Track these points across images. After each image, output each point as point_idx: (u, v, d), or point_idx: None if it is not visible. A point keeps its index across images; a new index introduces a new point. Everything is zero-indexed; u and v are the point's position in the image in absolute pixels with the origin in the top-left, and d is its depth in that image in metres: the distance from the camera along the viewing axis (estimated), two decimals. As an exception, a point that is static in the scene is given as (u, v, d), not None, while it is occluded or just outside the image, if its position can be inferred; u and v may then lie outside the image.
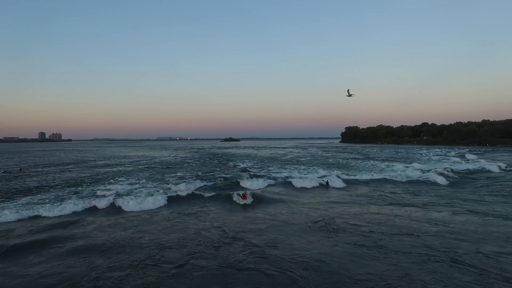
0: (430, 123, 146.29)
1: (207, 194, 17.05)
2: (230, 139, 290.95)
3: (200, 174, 27.18)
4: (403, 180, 22.79)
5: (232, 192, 16.52)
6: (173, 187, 18.87)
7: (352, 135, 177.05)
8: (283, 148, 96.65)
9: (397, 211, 13.44)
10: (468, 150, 67.75)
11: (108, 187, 19.71)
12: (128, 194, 17.29)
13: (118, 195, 17.32)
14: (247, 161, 42.69)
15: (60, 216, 13.52)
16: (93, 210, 14.47)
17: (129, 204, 14.85)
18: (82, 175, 27.28)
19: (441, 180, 21.93)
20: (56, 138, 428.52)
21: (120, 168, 33.48)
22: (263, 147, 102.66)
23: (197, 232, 10.65)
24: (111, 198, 15.77)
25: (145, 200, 15.32)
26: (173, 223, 11.94)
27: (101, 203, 15.07)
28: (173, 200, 15.95)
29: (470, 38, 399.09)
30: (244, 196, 15.50)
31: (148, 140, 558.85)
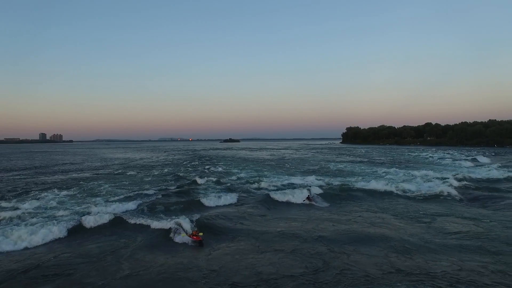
0: (434, 123, 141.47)
1: (138, 220, 12.23)
2: (230, 140, 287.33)
3: (158, 182, 22.59)
4: (407, 194, 17.81)
5: (174, 226, 11.30)
6: (101, 207, 14.18)
7: (353, 135, 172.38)
8: (278, 149, 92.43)
9: (391, 254, 8.62)
10: (477, 152, 62.70)
11: (19, 205, 15.06)
12: (29, 218, 12.66)
13: (19, 219, 12.75)
14: (230, 165, 37.98)
15: None
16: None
17: (8, 238, 10.24)
18: (17, 185, 22.64)
19: (459, 194, 17.04)
20: (56, 139, 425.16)
21: (72, 175, 28.70)
22: (258, 149, 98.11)
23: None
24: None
25: (35, 232, 10.62)
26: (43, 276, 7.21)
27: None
28: (80, 230, 11.24)
29: (474, 36, 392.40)
30: (196, 236, 10.22)
31: (150, 141, 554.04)
